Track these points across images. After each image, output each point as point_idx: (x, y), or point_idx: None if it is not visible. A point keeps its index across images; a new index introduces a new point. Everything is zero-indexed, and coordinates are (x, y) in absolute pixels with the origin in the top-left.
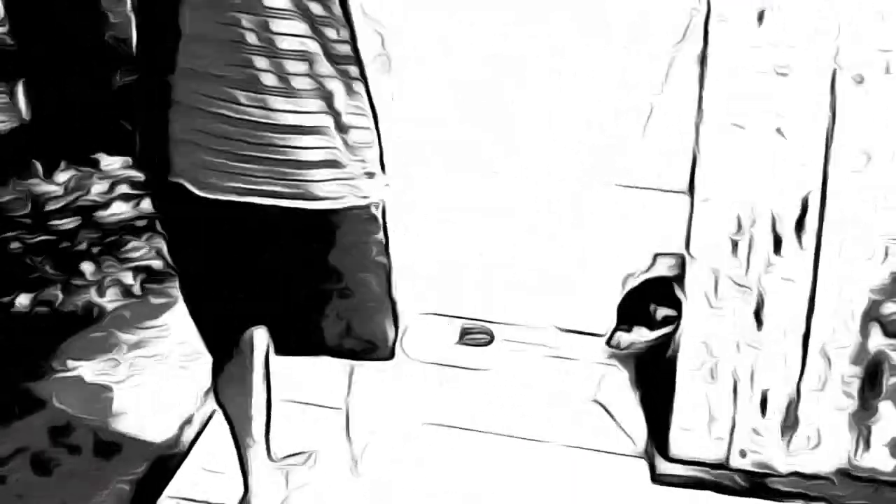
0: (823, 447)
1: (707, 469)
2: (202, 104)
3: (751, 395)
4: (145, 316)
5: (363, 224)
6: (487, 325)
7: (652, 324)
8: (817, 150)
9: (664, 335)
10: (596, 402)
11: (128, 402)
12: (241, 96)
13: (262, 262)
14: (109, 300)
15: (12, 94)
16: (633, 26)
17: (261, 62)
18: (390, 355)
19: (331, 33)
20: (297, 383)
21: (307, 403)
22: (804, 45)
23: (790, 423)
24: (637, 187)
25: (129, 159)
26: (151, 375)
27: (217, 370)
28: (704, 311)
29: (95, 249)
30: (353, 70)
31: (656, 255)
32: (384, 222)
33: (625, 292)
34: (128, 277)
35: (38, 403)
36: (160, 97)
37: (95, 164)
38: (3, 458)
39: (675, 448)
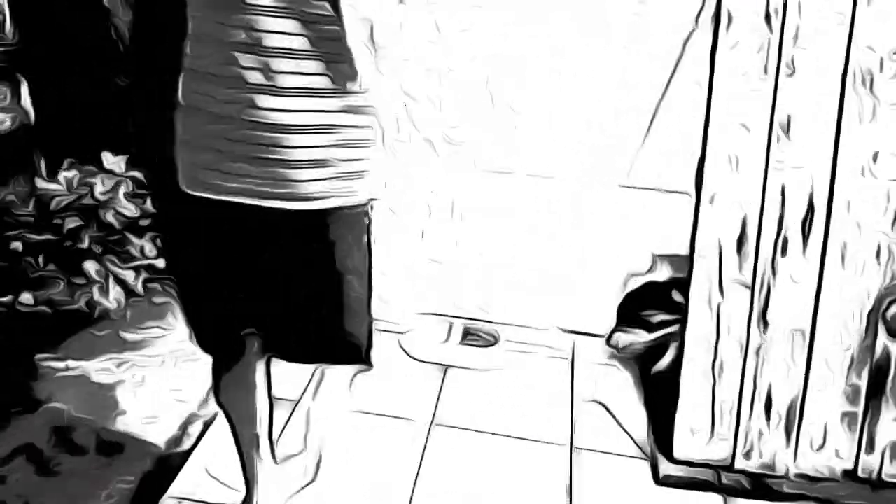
0: (828, 449)
1: (711, 471)
2: (200, 104)
3: (755, 397)
4: (147, 315)
5: (353, 225)
6: (492, 326)
7: (650, 326)
8: (824, 150)
9: (662, 337)
10: (596, 402)
11: (129, 402)
12: (232, 95)
13: (253, 263)
14: (111, 299)
15: (17, 93)
16: (633, 26)
17: (249, 60)
18: (369, 362)
19: (321, 31)
20: (299, 383)
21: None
22: (812, 45)
23: (794, 425)
24: (637, 187)
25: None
26: (153, 375)
27: (217, 371)
28: (709, 312)
29: (98, 248)
30: (345, 68)
31: (656, 257)
32: (369, 229)
33: (625, 294)
34: (130, 277)
35: (38, 403)
36: (160, 97)
37: (99, 163)
38: (3, 458)
39: (679, 449)
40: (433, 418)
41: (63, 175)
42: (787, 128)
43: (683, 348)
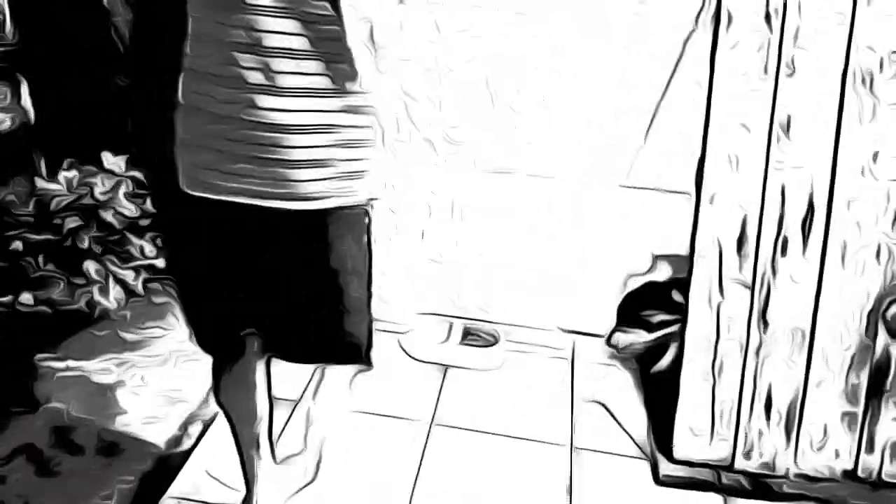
0: (828, 449)
1: (711, 471)
2: (199, 104)
3: (755, 397)
4: (147, 315)
5: (352, 225)
6: (492, 326)
7: (650, 326)
8: (824, 150)
9: (662, 337)
10: (596, 402)
11: (129, 402)
12: (232, 94)
13: (253, 263)
14: (111, 299)
15: (16, 93)
16: (633, 26)
17: (249, 60)
18: (369, 362)
19: (321, 31)
20: (299, 383)
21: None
22: (812, 45)
23: (794, 425)
24: (637, 187)
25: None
26: (153, 375)
27: (217, 371)
28: (709, 312)
29: (98, 248)
30: (345, 68)
31: (656, 257)
32: (369, 229)
33: (624, 294)
34: (130, 277)
35: (38, 403)
36: (160, 97)
37: (99, 163)
38: (3, 458)
39: (679, 449)
40: (433, 418)
41: (63, 175)
42: (787, 128)
43: (683, 348)
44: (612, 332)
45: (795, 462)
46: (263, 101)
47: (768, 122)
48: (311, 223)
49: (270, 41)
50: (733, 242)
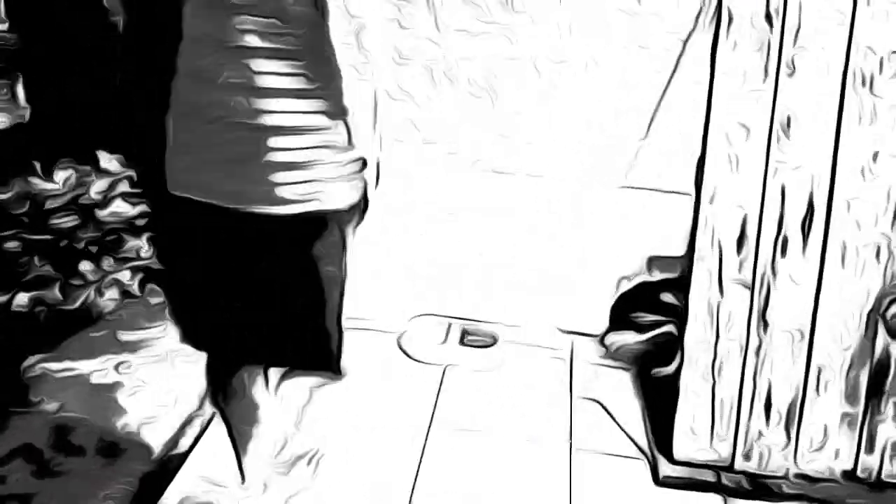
0: (827, 449)
1: (711, 471)
2: (187, 105)
3: (755, 397)
4: (144, 316)
5: (331, 230)
6: (491, 326)
7: (640, 328)
8: (824, 150)
9: (653, 338)
10: (596, 402)
11: (128, 403)
12: (216, 96)
13: (232, 267)
14: (108, 300)
15: (12, 93)
16: (633, 26)
17: (231, 61)
18: (339, 371)
19: (301, 30)
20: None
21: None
22: (812, 45)
23: (794, 425)
24: (637, 188)
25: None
26: (151, 376)
27: (210, 372)
28: (709, 312)
29: (94, 249)
30: (328, 70)
31: (651, 259)
32: (346, 234)
33: (617, 295)
34: (126, 277)
35: (37, 404)
36: (152, 98)
37: (95, 163)
38: (3, 457)
39: (679, 450)
40: (432, 419)
41: (59, 175)
42: (787, 128)
43: (683, 349)
44: (605, 333)
45: (795, 462)
46: (245, 102)
47: (768, 122)
48: (289, 227)
49: (253, 43)
50: (733, 242)
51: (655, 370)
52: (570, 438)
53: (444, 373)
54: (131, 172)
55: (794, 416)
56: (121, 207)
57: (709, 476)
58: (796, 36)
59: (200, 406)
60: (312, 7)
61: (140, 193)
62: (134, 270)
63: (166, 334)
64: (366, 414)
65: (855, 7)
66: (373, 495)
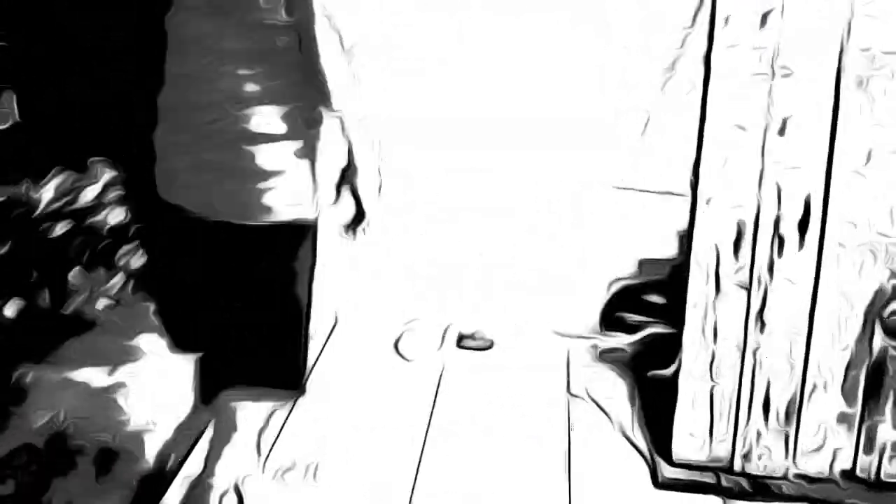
0: (826, 449)
1: (710, 473)
2: (173, 112)
3: (753, 398)
4: (138, 322)
5: (296, 241)
6: (489, 327)
7: (628, 329)
8: (820, 151)
9: (641, 339)
10: (594, 403)
11: (123, 407)
12: (198, 102)
13: (206, 275)
14: (101, 306)
15: (3, 98)
16: (633, 26)
17: (215, 68)
18: (301, 387)
19: (282, 38)
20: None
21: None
22: (808, 45)
23: (793, 426)
24: (636, 189)
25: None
26: (147, 380)
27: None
28: (707, 313)
29: (86, 255)
30: (310, 77)
31: (642, 262)
32: (314, 246)
33: (607, 297)
34: (119, 284)
35: (34, 407)
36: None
37: (87, 170)
38: (2, 459)
39: (678, 452)
40: (431, 419)
41: (51, 181)
42: (783, 128)
43: (681, 351)
44: (596, 335)
45: (794, 463)
46: (227, 109)
47: (764, 122)
48: (260, 237)
49: (232, 47)
50: (730, 243)
51: (652, 372)
52: (569, 440)
53: (441, 374)
54: (124, 179)
55: (793, 417)
56: (114, 213)
57: (708, 478)
58: (793, 36)
59: (195, 411)
60: (285, 13)
61: (131, 199)
62: (126, 277)
63: (159, 340)
64: (365, 415)
65: (852, 7)
66: (373, 495)
